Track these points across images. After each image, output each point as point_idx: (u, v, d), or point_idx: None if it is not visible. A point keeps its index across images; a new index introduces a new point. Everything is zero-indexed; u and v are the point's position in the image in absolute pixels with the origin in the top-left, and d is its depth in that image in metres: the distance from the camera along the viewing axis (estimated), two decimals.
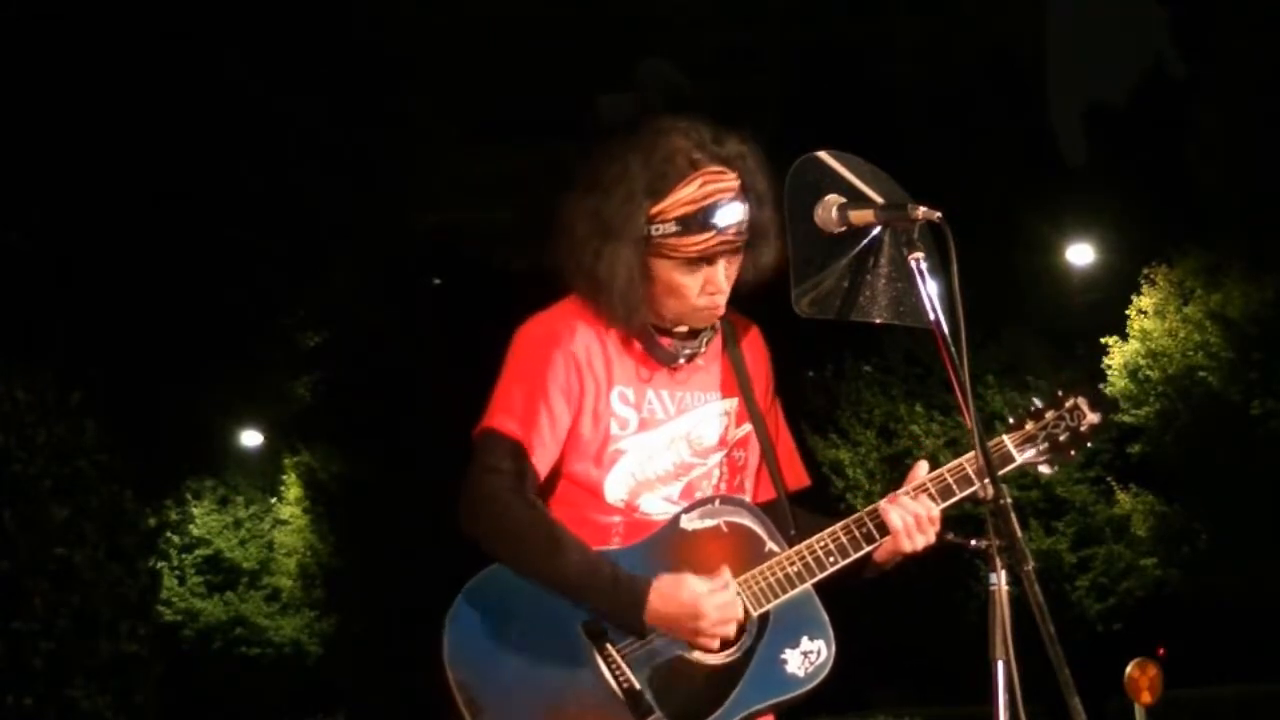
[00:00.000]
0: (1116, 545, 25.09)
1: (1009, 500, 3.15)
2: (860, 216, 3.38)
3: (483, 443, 3.46)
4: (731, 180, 3.42)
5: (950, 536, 3.49)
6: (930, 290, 3.25)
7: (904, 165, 4.09)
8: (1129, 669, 17.47)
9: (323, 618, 30.88)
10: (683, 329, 3.54)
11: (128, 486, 10.17)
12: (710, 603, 3.35)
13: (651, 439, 3.52)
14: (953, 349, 3.19)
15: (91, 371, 15.30)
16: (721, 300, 3.49)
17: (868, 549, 3.49)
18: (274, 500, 31.93)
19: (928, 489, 3.53)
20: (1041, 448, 3.62)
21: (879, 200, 3.39)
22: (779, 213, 3.47)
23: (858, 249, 3.43)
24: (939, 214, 3.29)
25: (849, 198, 3.40)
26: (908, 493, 3.53)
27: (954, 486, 3.53)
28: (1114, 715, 19.52)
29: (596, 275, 3.42)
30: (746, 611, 3.41)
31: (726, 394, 3.61)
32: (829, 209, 3.39)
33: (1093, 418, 3.65)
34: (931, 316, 3.24)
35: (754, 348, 3.68)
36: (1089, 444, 3.67)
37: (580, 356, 3.49)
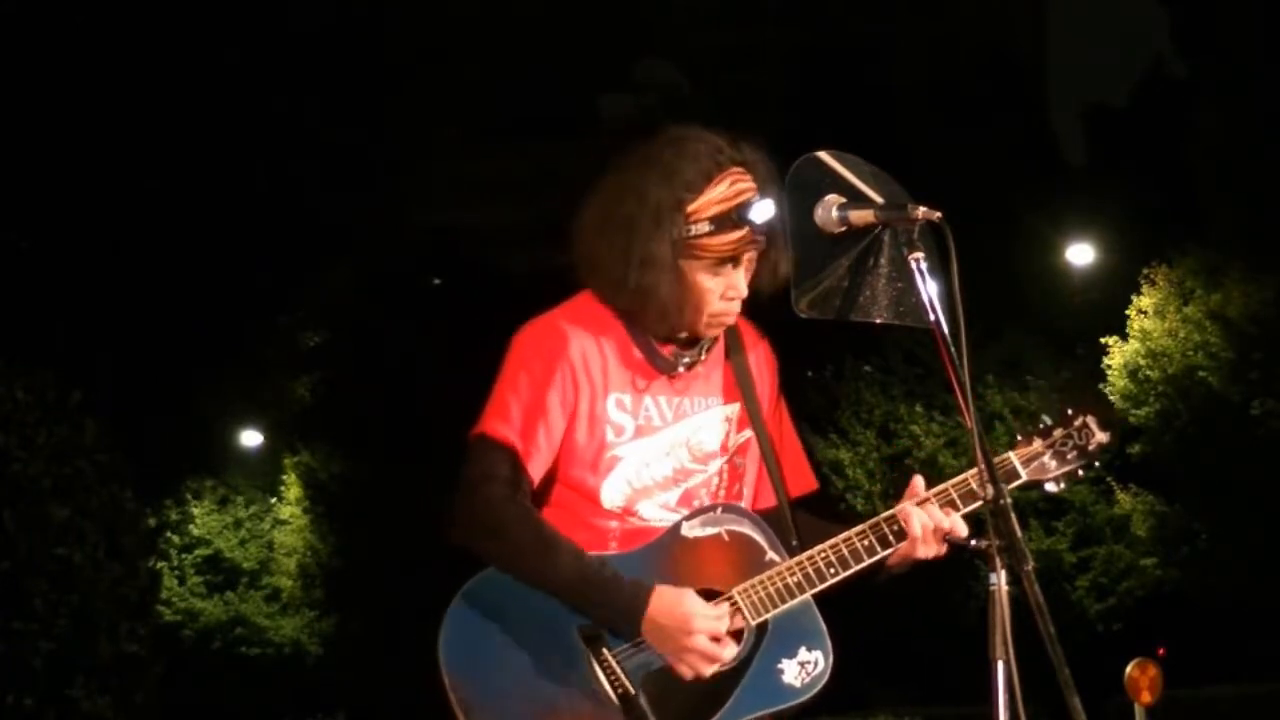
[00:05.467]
0: (1116, 545, 25.08)
1: (1009, 500, 3.15)
2: (860, 216, 3.37)
3: (477, 448, 3.45)
4: (752, 182, 3.43)
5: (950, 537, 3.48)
6: (930, 290, 3.25)
7: (904, 165, 4.09)
8: (1129, 669, 17.48)
9: (323, 618, 30.88)
10: (684, 335, 3.52)
11: (128, 486, 10.17)
12: (706, 625, 3.33)
13: (649, 445, 3.51)
14: (953, 349, 3.18)
15: (92, 371, 15.30)
16: (737, 307, 3.48)
17: (870, 561, 3.46)
18: (274, 500, 31.92)
19: (951, 497, 3.49)
20: (1049, 465, 3.59)
21: (879, 200, 3.38)
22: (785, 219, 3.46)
23: (858, 249, 3.42)
24: (939, 214, 3.28)
25: (849, 198, 3.39)
26: (928, 498, 3.49)
27: (963, 500, 3.49)
28: (1114, 715, 19.50)
29: (642, 286, 3.40)
30: (745, 621, 3.39)
31: (728, 399, 3.59)
32: (829, 209, 3.38)
33: (1101, 437, 3.63)
34: (931, 317, 3.23)
35: (758, 352, 3.66)
36: (1096, 463, 3.63)
37: (576, 362, 3.46)
